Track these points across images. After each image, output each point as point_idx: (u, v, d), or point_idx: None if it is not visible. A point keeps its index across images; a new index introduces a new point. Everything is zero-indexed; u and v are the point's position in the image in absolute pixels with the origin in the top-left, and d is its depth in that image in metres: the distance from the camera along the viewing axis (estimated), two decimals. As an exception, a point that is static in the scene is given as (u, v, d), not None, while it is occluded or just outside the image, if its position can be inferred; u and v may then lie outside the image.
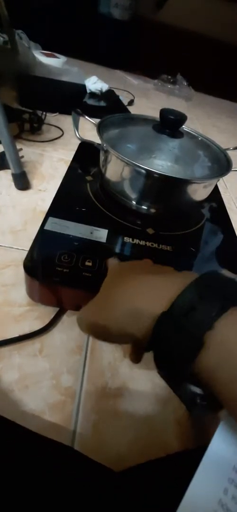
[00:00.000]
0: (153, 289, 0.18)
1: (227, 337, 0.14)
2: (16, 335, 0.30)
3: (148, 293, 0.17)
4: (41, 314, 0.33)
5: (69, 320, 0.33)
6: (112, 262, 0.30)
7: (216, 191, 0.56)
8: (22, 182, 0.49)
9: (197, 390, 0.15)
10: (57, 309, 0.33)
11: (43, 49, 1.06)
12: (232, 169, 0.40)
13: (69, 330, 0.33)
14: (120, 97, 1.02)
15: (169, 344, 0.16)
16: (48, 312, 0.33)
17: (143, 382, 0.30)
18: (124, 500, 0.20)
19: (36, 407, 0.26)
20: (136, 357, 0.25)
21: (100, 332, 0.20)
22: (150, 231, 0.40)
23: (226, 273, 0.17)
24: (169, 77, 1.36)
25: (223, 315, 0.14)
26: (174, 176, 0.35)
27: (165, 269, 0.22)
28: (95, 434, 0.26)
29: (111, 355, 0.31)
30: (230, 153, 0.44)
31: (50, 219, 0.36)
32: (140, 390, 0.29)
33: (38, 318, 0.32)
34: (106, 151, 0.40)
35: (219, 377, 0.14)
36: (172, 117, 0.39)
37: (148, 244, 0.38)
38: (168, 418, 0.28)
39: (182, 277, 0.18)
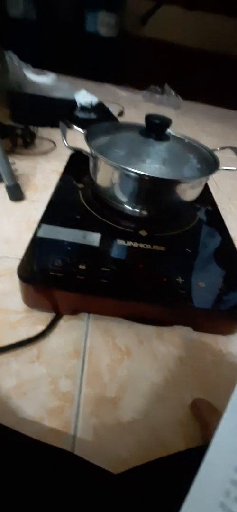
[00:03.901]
0: None
1: None
2: (13, 342, 0.30)
3: None
4: (38, 320, 0.33)
5: (65, 325, 0.33)
6: None
7: (207, 192, 0.57)
8: (15, 193, 0.50)
9: None
10: (54, 314, 0.33)
11: (33, 67, 1.09)
12: (220, 168, 0.41)
13: (66, 334, 0.33)
14: (110, 109, 1.05)
15: None
16: (45, 318, 0.33)
17: (142, 383, 0.30)
18: (124, 502, 0.20)
19: (35, 413, 0.26)
20: None
21: None
22: (142, 233, 0.40)
23: None
24: (157, 87, 1.40)
25: None
26: (161, 177, 0.36)
27: None
28: (96, 438, 0.25)
29: (109, 357, 0.31)
30: (219, 154, 0.45)
31: (43, 226, 0.37)
32: (139, 391, 0.29)
33: (35, 324, 0.33)
34: (95, 158, 0.41)
35: None
36: (157, 121, 0.41)
37: (141, 245, 0.38)
38: (169, 418, 0.28)
39: None
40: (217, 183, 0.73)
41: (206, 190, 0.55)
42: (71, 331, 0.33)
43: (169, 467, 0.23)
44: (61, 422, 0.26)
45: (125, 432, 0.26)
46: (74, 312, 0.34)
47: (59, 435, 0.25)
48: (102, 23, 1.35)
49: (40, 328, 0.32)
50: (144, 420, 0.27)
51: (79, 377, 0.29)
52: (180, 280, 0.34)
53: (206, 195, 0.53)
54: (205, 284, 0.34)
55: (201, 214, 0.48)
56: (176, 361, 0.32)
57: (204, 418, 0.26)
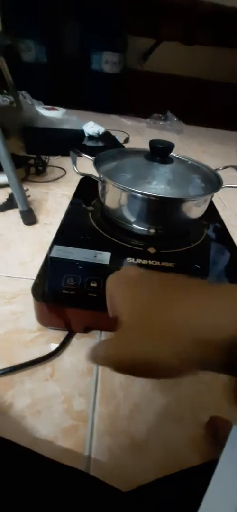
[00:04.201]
0: (219, 313, 0.16)
1: None
2: (27, 360, 0.31)
3: (215, 318, 0.15)
4: (51, 339, 0.34)
5: (78, 343, 0.34)
6: (126, 273, 0.23)
7: (213, 209, 0.58)
8: (29, 218, 0.53)
9: None
10: (67, 332, 0.34)
11: (45, 104, 1.19)
12: (223, 186, 0.43)
13: (79, 352, 0.33)
14: (116, 137, 1.11)
15: None
16: (58, 336, 0.34)
17: (156, 401, 0.29)
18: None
19: (49, 432, 0.26)
20: None
21: (139, 364, 0.17)
22: (151, 250, 0.41)
23: None
24: (160, 115, 1.48)
25: None
26: (165, 196, 0.38)
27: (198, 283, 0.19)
28: (110, 458, 0.25)
29: (122, 375, 0.31)
30: (222, 173, 0.47)
31: (55, 247, 0.38)
32: (153, 410, 0.29)
33: (48, 342, 0.33)
34: (103, 182, 0.43)
35: None
36: (160, 146, 0.43)
37: (151, 262, 0.39)
38: (184, 437, 0.27)
39: None
40: (223, 202, 0.74)
41: (212, 208, 0.56)
42: (84, 349, 0.33)
43: (179, 483, 0.22)
44: (75, 441, 0.26)
45: (140, 451, 0.26)
46: (87, 329, 0.35)
47: (73, 456, 0.25)
48: (107, 62, 1.47)
49: (53, 346, 0.33)
50: (159, 439, 0.27)
51: (92, 395, 0.29)
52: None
53: (212, 213, 0.54)
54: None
55: (209, 231, 0.49)
56: (190, 379, 0.32)
57: (220, 437, 0.25)
